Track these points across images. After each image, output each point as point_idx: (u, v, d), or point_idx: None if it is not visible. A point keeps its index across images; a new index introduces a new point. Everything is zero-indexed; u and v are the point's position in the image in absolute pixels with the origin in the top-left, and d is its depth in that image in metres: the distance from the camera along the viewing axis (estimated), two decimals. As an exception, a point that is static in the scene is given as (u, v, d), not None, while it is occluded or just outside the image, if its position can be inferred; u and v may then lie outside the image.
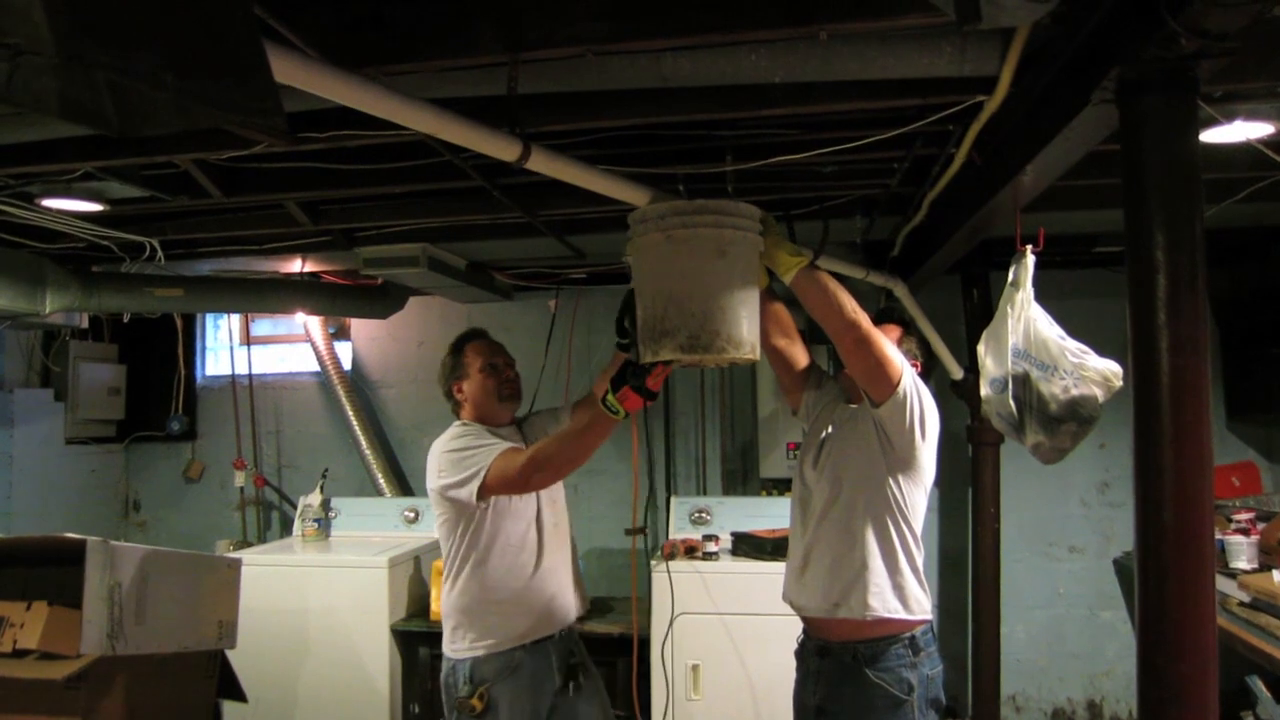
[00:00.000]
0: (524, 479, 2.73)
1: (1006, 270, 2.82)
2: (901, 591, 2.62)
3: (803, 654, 2.88)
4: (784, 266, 2.46)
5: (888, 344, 2.54)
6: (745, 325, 2.32)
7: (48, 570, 2.98)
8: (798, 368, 3.01)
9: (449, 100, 2.17)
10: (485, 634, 2.92)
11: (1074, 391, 2.69)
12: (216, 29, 1.14)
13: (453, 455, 2.90)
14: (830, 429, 2.82)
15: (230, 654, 3.33)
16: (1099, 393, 2.69)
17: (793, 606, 2.86)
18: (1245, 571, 3.89)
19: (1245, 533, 4.07)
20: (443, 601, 3.05)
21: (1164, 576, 1.83)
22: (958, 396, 4.70)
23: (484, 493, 2.81)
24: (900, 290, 4.41)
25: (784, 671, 3.96)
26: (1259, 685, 3.55)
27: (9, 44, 0.93)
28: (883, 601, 2.60)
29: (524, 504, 3.00)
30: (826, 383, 3.02)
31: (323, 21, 2.07)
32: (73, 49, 0.97)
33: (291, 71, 1.49)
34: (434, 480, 2.94)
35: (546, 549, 3.05)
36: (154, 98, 1.11)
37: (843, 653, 2.65)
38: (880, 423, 2.60)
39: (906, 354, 2.82)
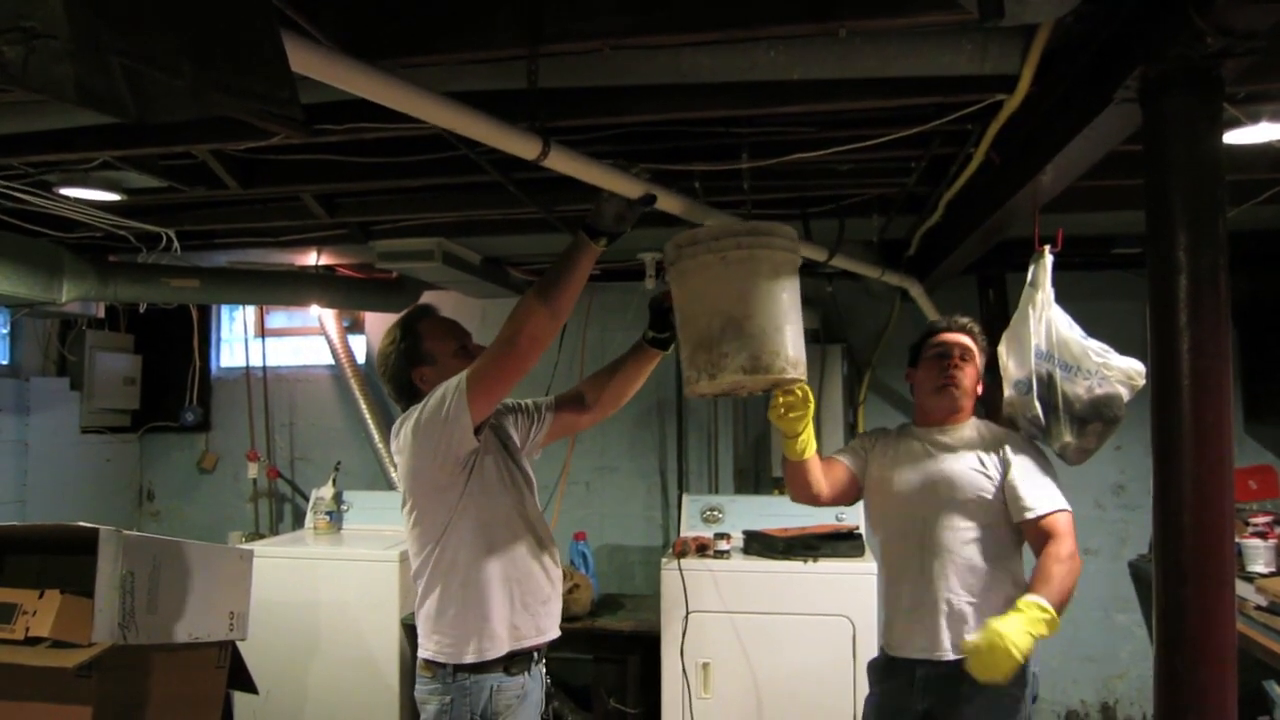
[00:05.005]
0: (512, 340, 2.28)
1: (1022, 272, 2.81)
2: None
3: (890, 669, 2.82)
4: None
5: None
6: (798, 345, 2.35)
7: (61, 559, 2.98)
8: (842, 478, 2.94)
9: (465, 94, 2.17)
10: (492, 645, 2.46)
11: (1098, 391, 2.67)
12: (233, 17, 1.14)
13: (433, 407, 2.40)
14: (932, 471, 2.78)
15: (241, 645, 3.33)
16: (1123, 391, 2.67)
17: (896, 648, 2.80)
18: (1262, 575, 3.86)
19: (1263, 536, 4.04)
20: (429, 613, 2.52)
21: (1183, 579, 1.82)
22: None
23: (474, 398, 2.31)
24: (916, 290, 4.40)
25: (794, 672, 3.99)
26: (1276, 690, 3.53)
27: (25, 28, 0.93)
28: None
29: (517, 490, 2.59)
30: (875, 438, 3.00)
31: (339, 12, 2.06)
32: (88, 34, 0.96)
33: (311, 62, 1.48)
34: (411, 450, 2.45)
35: (543, 547, 2.63)
36: (170, 85, 1.10)
37: (956, 664, 2.58)
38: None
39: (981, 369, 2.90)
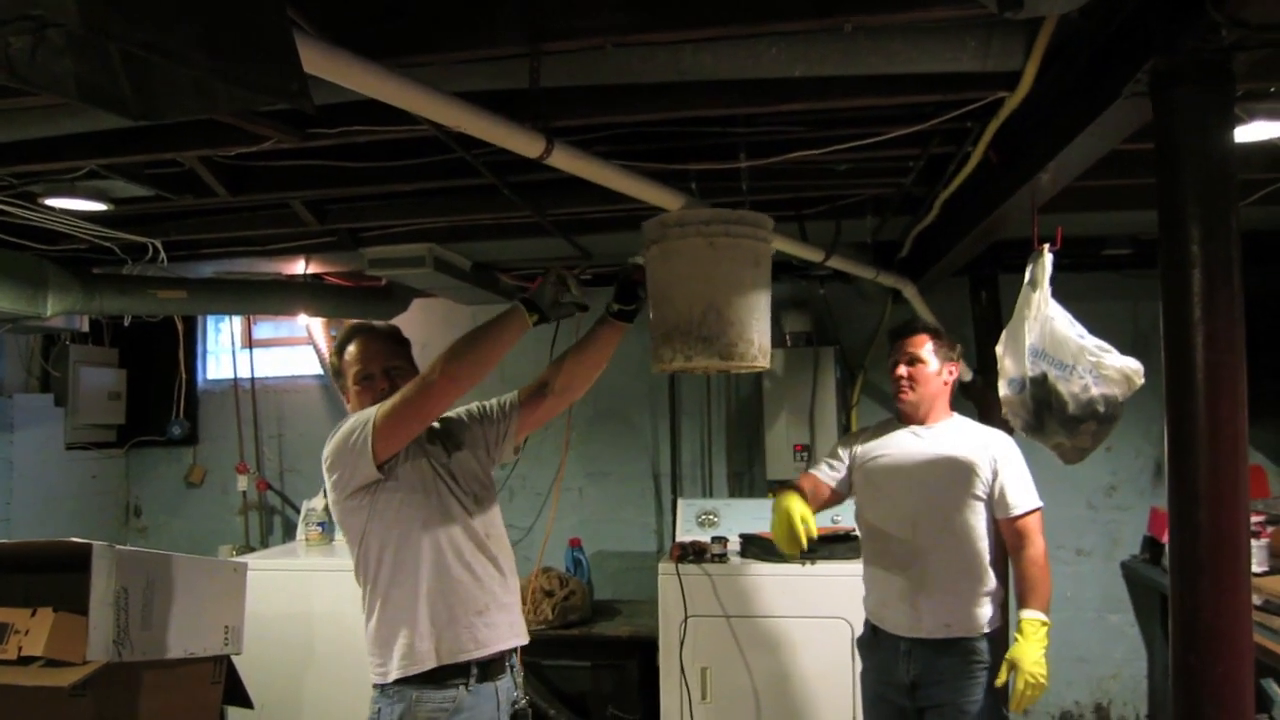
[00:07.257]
0: (426, 385, 2.32)
1: (1015, 274, 2.83)
2: (1002, 602, 2.96)
3: (875, 642, 3.13)
4: None
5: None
6: (766, 334, 2.40)
7: (49, 576, 2.93)
8: (823, 493, 3.24)
9: (464, 94, 2.14)
10: (415, 661, 2.41)
11: (1093, 390, 2.67)
12: (246, 9, 1.11)
13: (341, 436, 2.46)
14: (926, 468, 3.02)
15: (235, 660, 3.28)
16: (1119, 391, 2.67)
17: (885, 623, 3.09)
18: (1257, 575, 3.86)
19: (1256, 535, 4.04)
20: (366, 632, 2.55)
21: (1198, 575, 1.81)
22: (966, 398, 4.66)
23: (380, 438, 2.35)
24: (910, 291, 4.38)
25: (793, 674, 3.96)
26: (1274, 688, 3.52)
27: (34, 15, 0.89)
28: (988, 616, 2.97)
29: (440, 503, 2.50)
30: (857, 439, 3.24)
31: (337, 10, 2.02)
32: (97, 21, 0.93)
33: (318, 60, 1.45)
34: (325, 471, 2.50)
35: (480, 555, 2.54)
36: (178, 76, 1.07)
37: (937, 640, 2.96)
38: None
39: (945, 360, 3.09)
